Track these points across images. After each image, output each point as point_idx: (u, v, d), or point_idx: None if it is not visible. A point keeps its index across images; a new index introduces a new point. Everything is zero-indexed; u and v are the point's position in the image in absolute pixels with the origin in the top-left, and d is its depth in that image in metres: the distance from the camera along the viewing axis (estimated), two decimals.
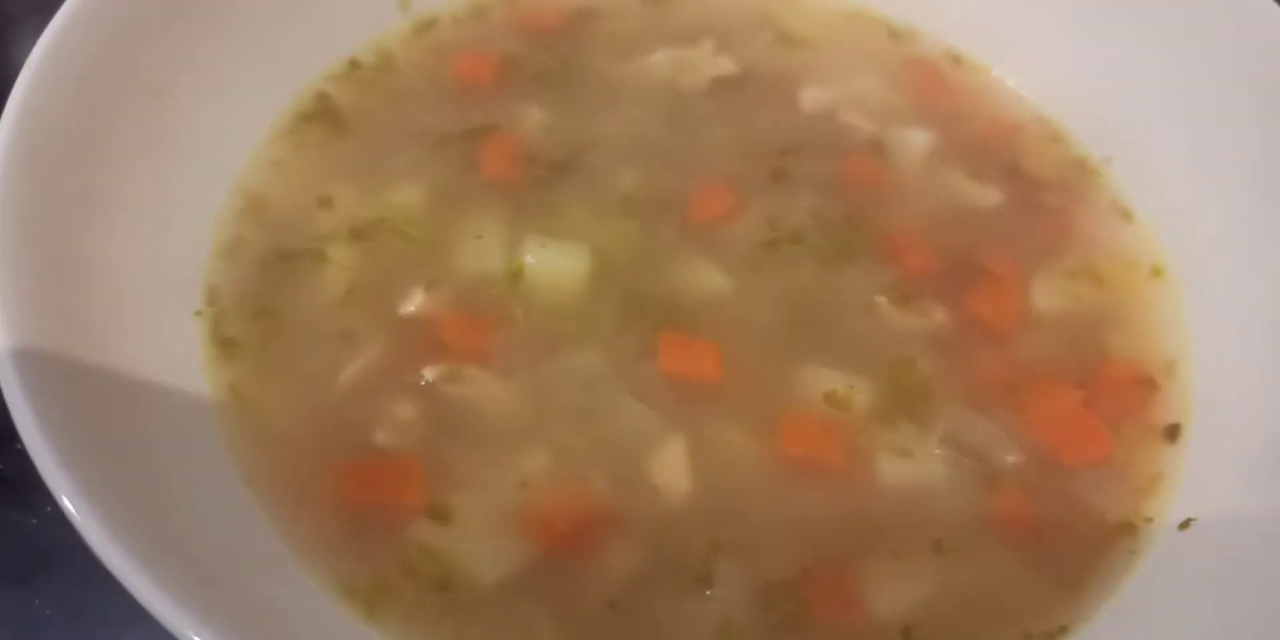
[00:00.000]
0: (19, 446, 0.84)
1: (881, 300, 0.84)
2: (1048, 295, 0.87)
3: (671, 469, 0.73)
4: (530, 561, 0.69)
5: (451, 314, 0.79)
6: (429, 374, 0.76)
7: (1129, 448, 0.81)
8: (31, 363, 0.59)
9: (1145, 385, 0.84)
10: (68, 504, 0.55)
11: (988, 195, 0.93)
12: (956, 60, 1.04)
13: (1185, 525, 0.76)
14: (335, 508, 0.70)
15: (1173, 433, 0.82)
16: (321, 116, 0.91)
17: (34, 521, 0.81)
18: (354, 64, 0.96)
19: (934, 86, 1.02)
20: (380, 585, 0.67)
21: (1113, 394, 0.83)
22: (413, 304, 0.79)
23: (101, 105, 0.73)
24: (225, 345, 0.76)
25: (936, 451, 0.77)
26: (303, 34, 0.91)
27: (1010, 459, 0.78)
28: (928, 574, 0.73)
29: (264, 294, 0.79)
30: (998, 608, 0.73)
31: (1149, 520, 0.77)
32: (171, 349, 0.72)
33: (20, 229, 0.63)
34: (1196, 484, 0.79)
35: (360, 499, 0.70)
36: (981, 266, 0.87)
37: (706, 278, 0.84)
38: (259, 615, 0.59)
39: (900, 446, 0.77)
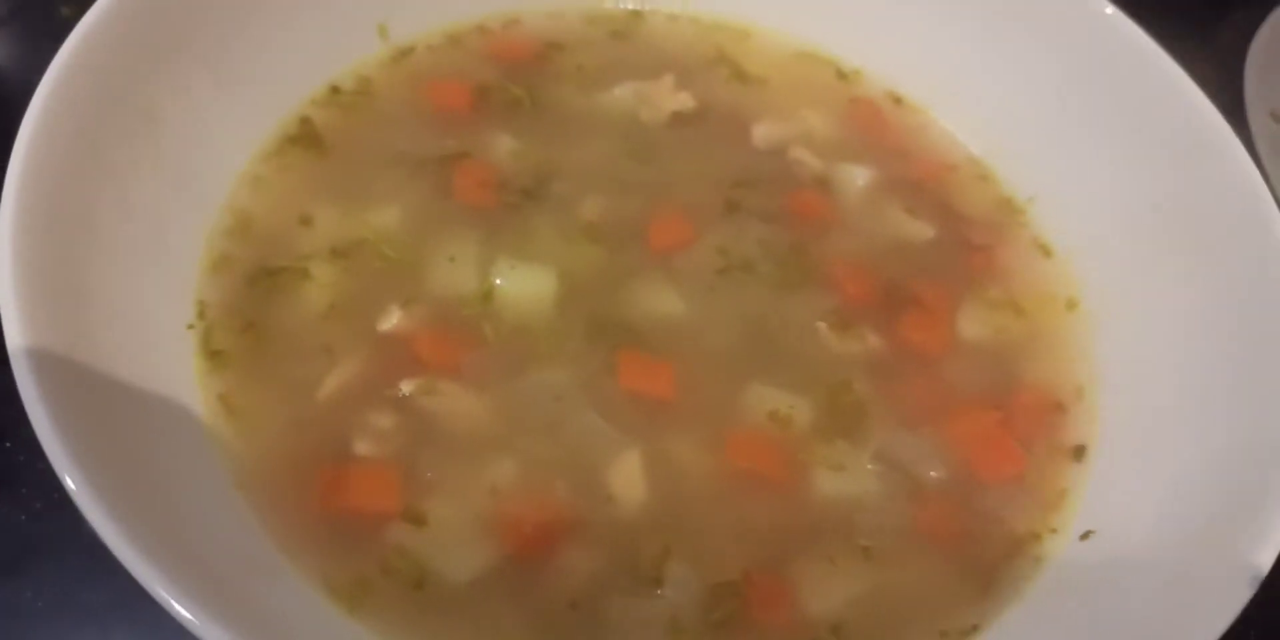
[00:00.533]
0: (8, 445, 0.89)
1: (822, 326, 0.91)
2: (972, 324, 0.95)
3: (628, 479, 0.80)
4: (498, 562, 0.75)
5: (427, 331, 0.85)
6: (406, 387, 0.81)
7: (1040, 465, 0.88)
8: (44, 366, 0.64)
9: (1056, 409, 0.92)
10: (78, 494, 0.60)
11: (922, 230, 1.01)
12: (898, 101, 1.11)
13: (1086, 536, 0.83)
14: (319, 511, 0.75)
15: (1079, 452, 0.89)
16: (304, 139, 0.96)
17: (23, 517, 0.86)
18: (334, 89, 1.01)
19: (876, 125, 1.09)
20: (360, 583, 0.73)
21: (1027, 416, 0.91)
22: (390, 321, 0.85)
23: (101, 130, 0.78)
24: (214, 357, 0.81)
25: (868, 466, 0.84)
26: (288, 61, 0.96)
27: (934, 474, 0.85)
28: (857, 577, 0.79)
29: (250, 309, 0.84)
30: (918, 608, 0.79)
31: (1054, 531, 0.85)
32: (167, 360, 0.77)
33: (31, 245, 0.67)
34: (1098, 499, 0.86)
35: (341, 503, 0.76)
36: (914, 296, 0.95)
37: (664, 301, 0.90)
38: (250, 605, 0.64)
39: (835, 461, 0.84)
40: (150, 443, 0.70)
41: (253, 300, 0.85)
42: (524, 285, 0.89)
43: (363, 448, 0.79)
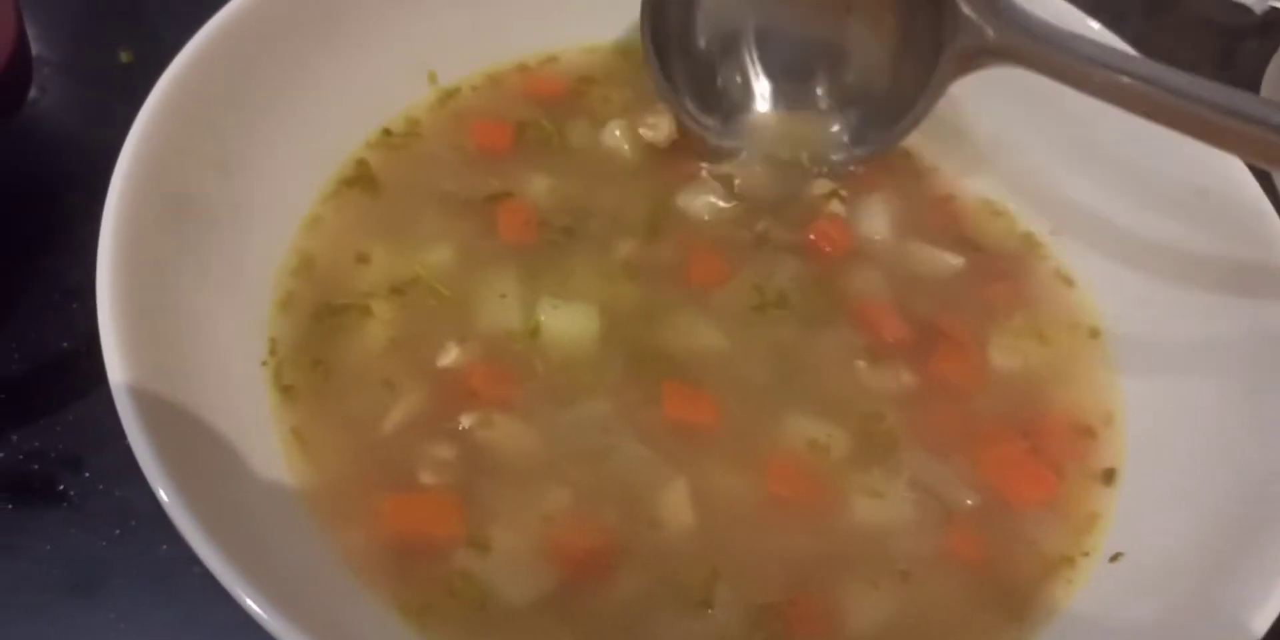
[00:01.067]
0: (87, 475, 0.94)
1: (861, 364, 0.94)
2: (1001, 354, 0.99)
3: (675, 506, 0.84)
4: (555, 586, 0.79)
5: (481, 366, 0.89)
6: (465, 421, 0.86)
7: (1070, 490, 0.91)
8: (140, 396, 0.69)
9: (1085, 434, 0.95)
10: (170, 506, 0.66)
11: (948, 262, 1.04)
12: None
13: (1115, 558, 0.87)
14: (388, 538, 0.79)
15: (1109, 476, 0.93)
16: (359, 181, 1.01)
17: (102, 543, 0.90)
18: (386, 132, 1.06)
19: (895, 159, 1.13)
20: (427, 605, 0.77)
21: (1056, 442, 0.94)
22: (449, 357, 0.90)
23: (181, 180, 0.84)
24: (285, 391, 0.86)
25: (904, 493, 0.87)
26: (345, 106, 1.02)
27: (967, 500, 0.88)
28: (895, 600, 0.82)
29: (316, 345, 0.89)
30: (953, 630, 0.83)
31: (1086, 554, 0.88)
32: (243, 393, 0.82)
33: (128, 287, 0.74)
34: (1128, 522, 0.89)
35: (408, 530, 0.80)
36: (943, 329, 0.99)
37: (703, 336, 0.94)
38: (325, 618, 0.69)
39: (872, 488, 0.87)
40: (232, 469, 0.75)
41: (319, 337, 0.90)
42: (567, 322, 0.93)
43: (426, 478, 0.83)
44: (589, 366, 0.92)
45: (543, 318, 0.93)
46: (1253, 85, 1.37)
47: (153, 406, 0.68)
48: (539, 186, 1.04)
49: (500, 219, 1.01)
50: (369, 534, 0.79)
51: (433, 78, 1.09)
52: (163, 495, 0.65)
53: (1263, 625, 0.71)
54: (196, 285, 0.82)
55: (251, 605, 0.63)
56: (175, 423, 0.71)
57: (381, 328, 0.91)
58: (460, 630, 0.76)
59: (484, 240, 0.99)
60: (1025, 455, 0.93)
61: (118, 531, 0.91)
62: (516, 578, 0.79)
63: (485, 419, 0.86)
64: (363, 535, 0.79)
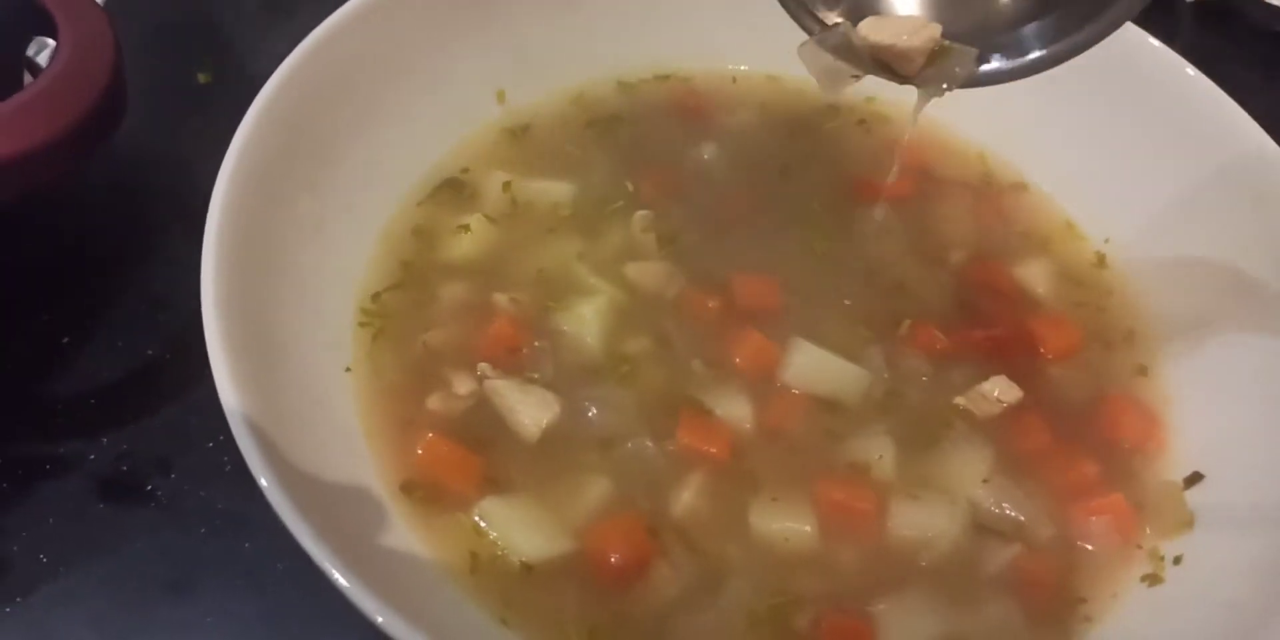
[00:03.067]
0: (173, 476, 0.99)
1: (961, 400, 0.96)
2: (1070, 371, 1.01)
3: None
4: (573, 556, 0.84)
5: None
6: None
7: (1133, 502, 0.92)
8: (245, 398, 0.75)
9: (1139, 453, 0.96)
10: (269, 491, 0.70)
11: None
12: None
13: (1178, 560, 0.88)
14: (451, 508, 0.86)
15: (1192, 480, 0.93)
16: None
17: (190, 541, 0.95)
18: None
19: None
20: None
21: (1120, 461, 0.96)
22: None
23: (274, 200, 0.89)
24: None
25: (959, 513, 0.89)
26: (421, 125, 1.07)
27: (1026, 521, 0.89)
28: (937, 621, 0.85)
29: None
30: None
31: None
32: (333, 397, 0.88)
33: (228, 301, 0.78)
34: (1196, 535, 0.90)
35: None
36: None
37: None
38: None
39: (924, 506, 0.89)
40: (321, 461, 0.80)
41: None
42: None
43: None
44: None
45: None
46: None
47: (256, 412, 0.73)
48: None
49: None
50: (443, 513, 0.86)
51: (501, 97, 1.14)
52: (263, 482, 0.70)
53: None
54: (289, 299, 0.87)
55: (343, 582, 0.67)
56: (272, 423, 0.75)
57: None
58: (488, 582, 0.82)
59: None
60: (1093, 478, 0.94)
61: (204, 530, 0.95)
62: (531, 537, 0.85)
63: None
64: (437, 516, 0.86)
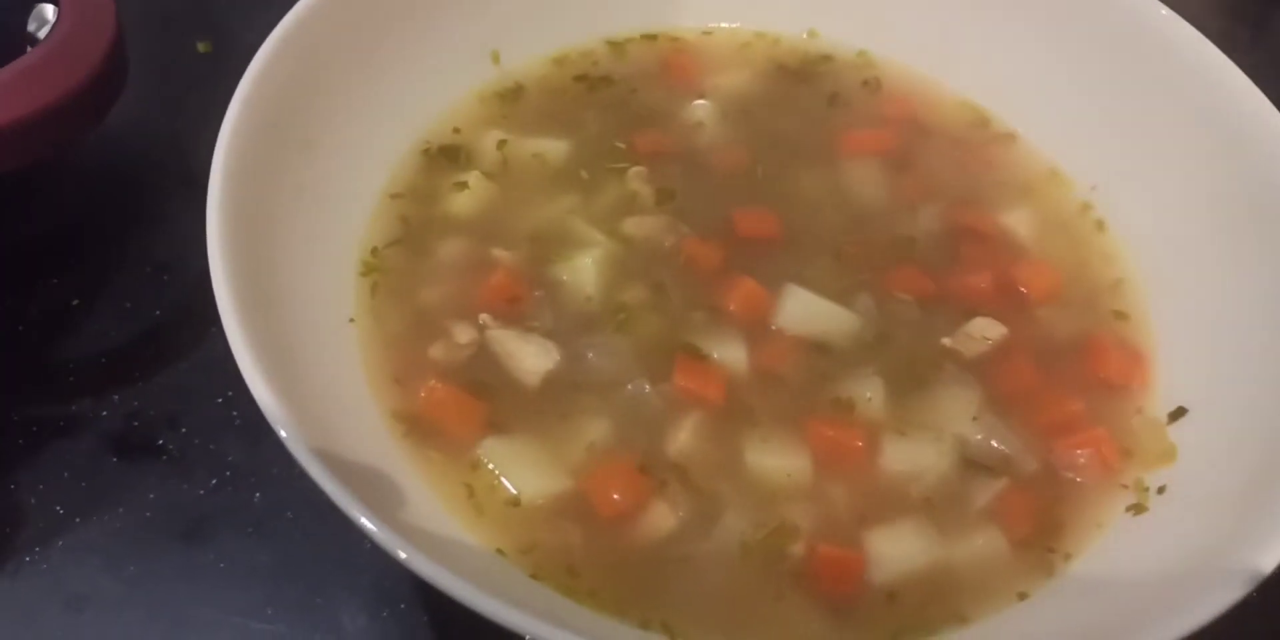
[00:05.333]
0: (183, 430, 1.02)
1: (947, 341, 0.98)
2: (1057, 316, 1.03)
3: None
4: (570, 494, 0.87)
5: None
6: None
7: (1117, 435, 0.94)
8: (254, 346, 0.76)
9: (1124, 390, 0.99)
10: (289, 441, 0.72)
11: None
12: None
13: (1161, 490, 0.90)
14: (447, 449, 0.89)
15: (1176, 415, 0.95)
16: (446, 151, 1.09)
17: (200, 492, 0.98)
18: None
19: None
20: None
21: (1106, 398, 0.98)
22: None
23: (270, 158, 0.90)
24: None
25: (947, 448, 0.91)
26: (416, 86, 1.09)
27: (1012, 456, 0.92)
28: (925, 550, 0.87)
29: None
30: (979, 580, 0.86)
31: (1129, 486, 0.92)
32: (335, 347, 0.91)
33: (233, 260, 0.80)
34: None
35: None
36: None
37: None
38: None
39: (913, 442, 0.92)
40: (329, 409, 0.82)
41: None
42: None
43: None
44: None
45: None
46: None
47: (268, 366, 0.75)
48: None
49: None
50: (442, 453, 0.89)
51: (495, 58, 1.15)
52: (282, 433, 0.72)
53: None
54: (290, 256, 0.90)
55: (364, 521, 0.69)
56: (282, 374, 0.77)
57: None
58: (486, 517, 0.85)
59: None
60: (1079, 411, 0.96)
61: (214, 481, 0.98)
62: (530, 476, 0.88)
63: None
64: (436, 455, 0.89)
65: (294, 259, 0.90)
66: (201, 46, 1.33)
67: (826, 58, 1.22)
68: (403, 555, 0.68)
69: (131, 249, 1.15)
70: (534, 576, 0.82)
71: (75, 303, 1.09)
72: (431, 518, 0.83)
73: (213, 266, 0.78)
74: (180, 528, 0.96)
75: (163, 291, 1.11)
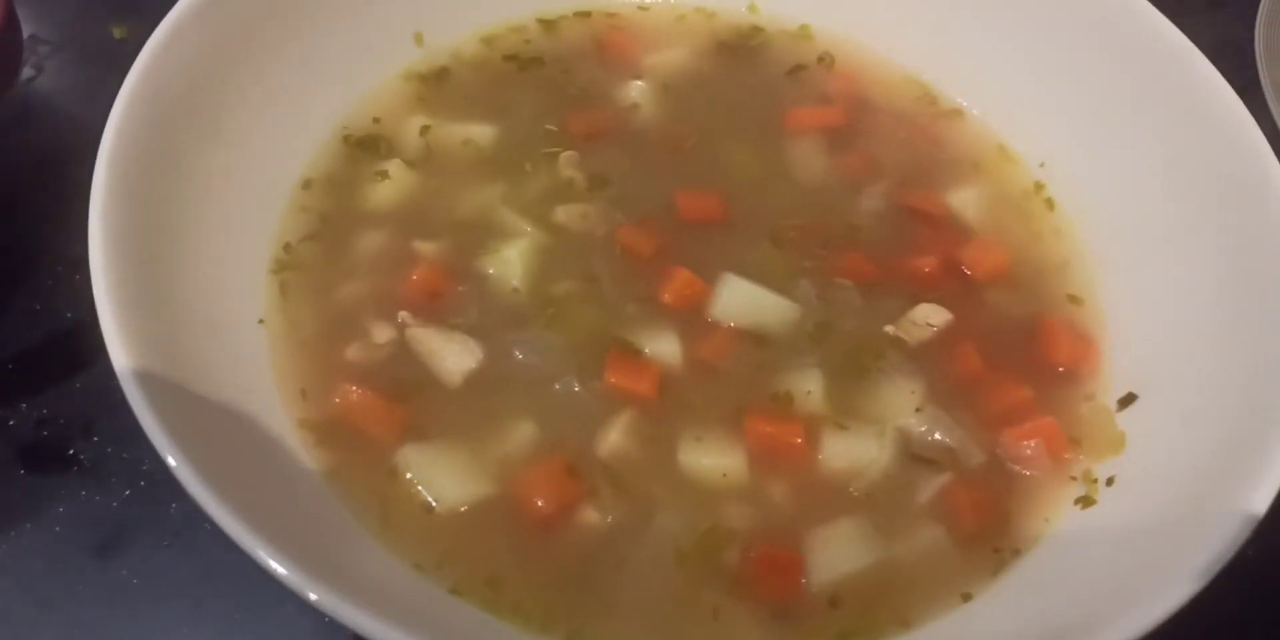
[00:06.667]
0: (96, 439, 0.97)
1: (890, 329, 0.94)
2: (999, 294, 0.99)
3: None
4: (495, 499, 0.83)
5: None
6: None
7: (1065, 423, 0.91)
8: (141, 367, 0.72)
9: (1071, 377, 0.95)
10: (171, 460, 0.67)
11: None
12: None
13: (1110, 482, 0.87)
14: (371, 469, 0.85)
15: (1125, 401, 0.92)
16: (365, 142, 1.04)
17: (114, 504, 0.93)
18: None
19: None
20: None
21: (1054, 384, 0.95)
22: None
23: (170, 147, 0.85)
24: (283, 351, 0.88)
25: (888, 442, 0.88)
26: (334, 71, 1.03)
27: (957, 448, 0.88)
28: (867, 549, 0.84)
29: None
30: (923, 581, 0.83)
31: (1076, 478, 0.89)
32: (245, 352, 0.86)
33: (119, 252, 0.76)
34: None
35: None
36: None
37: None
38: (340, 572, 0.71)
39: (853, 437, 0.88)
40: (233, 420, 0.78)
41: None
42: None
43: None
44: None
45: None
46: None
47: (153, 375, 0.71)
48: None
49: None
50: (354, 464, 0.84)
51: (419, 39, 1.10)
52: (170, 461, 0.67)
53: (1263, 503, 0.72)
54: (193, 251, 0.84)
55: (267, 560, 0.65)
56: (178, 390, 0.73)
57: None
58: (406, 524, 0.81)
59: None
60: (1027, 403, 0.93)
61: (128, 492, 0.94)
62: (452, 481, 0.84)
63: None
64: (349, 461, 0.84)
65: (198, 256, 0.85)
66: (117, 32, 1.27)
67: (766, 32, 1.17)
68: (313, 597, 0.63)
69: (44, 247, 1.09)
70: (453, 591, 0.78)
71: None
72: (344, 536, 0.79)
73: (93, 267, 0.73)
74: (94, 542, 0.92)
75: (76, 291, 1.06)
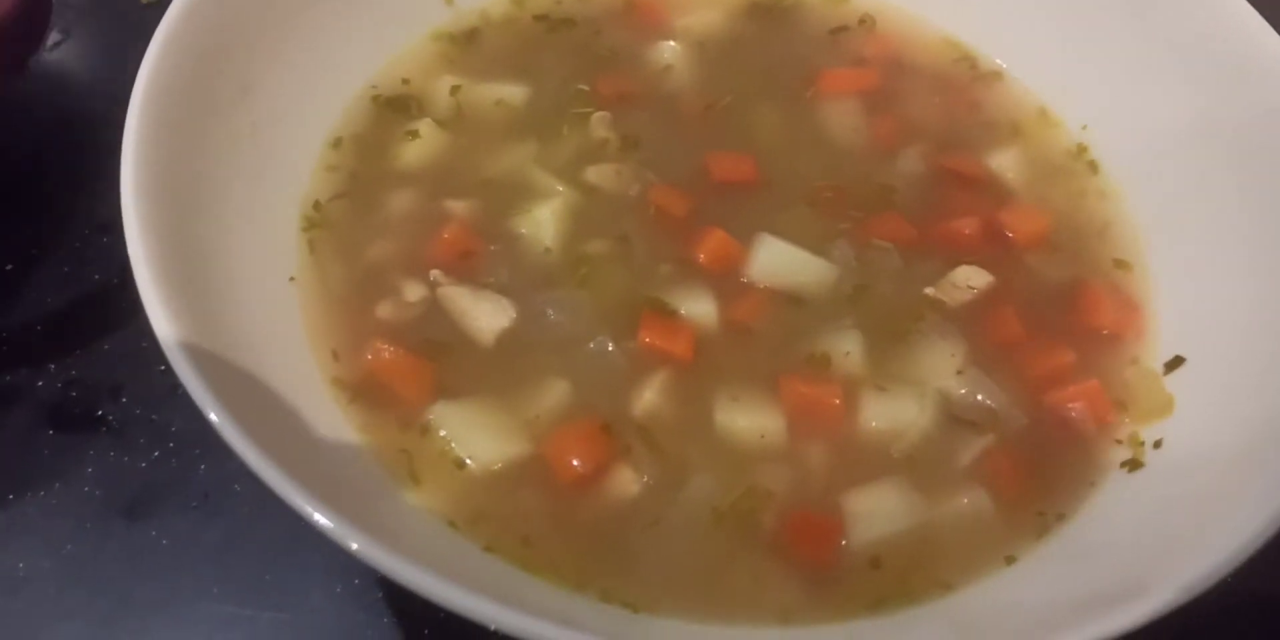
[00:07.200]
0: (124, 400, 0.96)
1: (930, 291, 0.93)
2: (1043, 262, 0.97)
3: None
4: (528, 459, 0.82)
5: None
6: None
7: (1114, 391, 0.89)
8: (179, 321, 0.70)
9: (1115, 340, 0.93)
10: (212, 416, 0.65)
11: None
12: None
13: (1158, 444, 0.85)
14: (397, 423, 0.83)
15: (1173, 365, 0.90)
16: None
17: (142, 465, 0.93)
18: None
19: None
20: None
21: (1098, 348, 0.92)
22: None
23: (200, 104, 0.84)
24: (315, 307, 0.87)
25: (929, 404, 0.86)
26: (365, 28, 1.02)
27: (999, 410, 0.87)
28: (907, 512, 0.82)
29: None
30: (965, 544, 0.81)
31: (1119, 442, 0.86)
32: (276, 308, 0.85)
33: (152, 211, 0.74)
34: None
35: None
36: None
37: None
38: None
39: (893, 398, 0.86)
40: (269, 378, 0.76)
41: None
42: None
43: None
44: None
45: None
46: None
47: (191, 333, 0.69)
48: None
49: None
50: (385, 422, 0.83)
51: (450, 1, 1.09)
52: (212, 416, 0.65)
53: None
54: (223, 207, 0.83)
55: (309, 511, 0.62)
56: (214, 348, 0.71)
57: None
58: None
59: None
60: (1069, 366, 0.90)
61: (157, 453, 0.93)
62: (484, 441, 0.82)
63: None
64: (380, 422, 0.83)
65: (228, 214, 0.84)
66: None
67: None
68: (354, 546, 0.62)
69: (73, 210, 1.08)
70: (487, 549, 0.77)
71: (8, 267, 1.03)
72: (379, 493, 0.78)
73: (126, 226, 0.72)
74: (122, 503, 0.91)
75: (105, 254, 1.05)
